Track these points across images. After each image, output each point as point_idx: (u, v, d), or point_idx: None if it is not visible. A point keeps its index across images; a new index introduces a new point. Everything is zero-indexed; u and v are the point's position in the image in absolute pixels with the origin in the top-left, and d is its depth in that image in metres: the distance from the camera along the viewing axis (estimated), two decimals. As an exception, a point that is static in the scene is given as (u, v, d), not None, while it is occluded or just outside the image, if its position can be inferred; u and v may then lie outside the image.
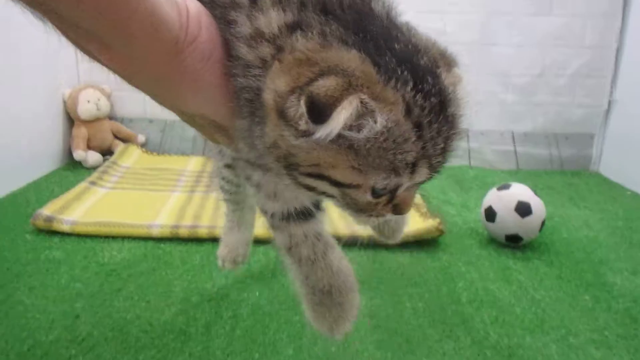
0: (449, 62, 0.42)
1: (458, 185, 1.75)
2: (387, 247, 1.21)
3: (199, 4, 0.39)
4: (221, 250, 0.88)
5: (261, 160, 0.44)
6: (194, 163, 1.73)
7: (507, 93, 1.93)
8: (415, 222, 1.28)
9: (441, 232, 1.23)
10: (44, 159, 1.63)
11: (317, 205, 0.53)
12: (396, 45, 0.38)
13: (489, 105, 1.95)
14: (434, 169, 0.42)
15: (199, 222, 1.23)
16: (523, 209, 1.21)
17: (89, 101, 1.70)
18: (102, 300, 0.94)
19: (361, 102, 0.35)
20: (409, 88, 0.37)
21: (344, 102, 0.35)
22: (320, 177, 0.40)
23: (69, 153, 1.70)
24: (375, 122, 0.36)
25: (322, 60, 0.36)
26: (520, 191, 1.26)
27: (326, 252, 0.53)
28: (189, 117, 0.47)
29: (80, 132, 1.69)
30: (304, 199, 0.50)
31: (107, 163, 1.60)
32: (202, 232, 1.18)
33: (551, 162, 1.98)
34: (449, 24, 1.85)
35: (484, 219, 1.27)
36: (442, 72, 0.40)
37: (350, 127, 0.36)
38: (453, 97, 0.41)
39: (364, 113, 0.36)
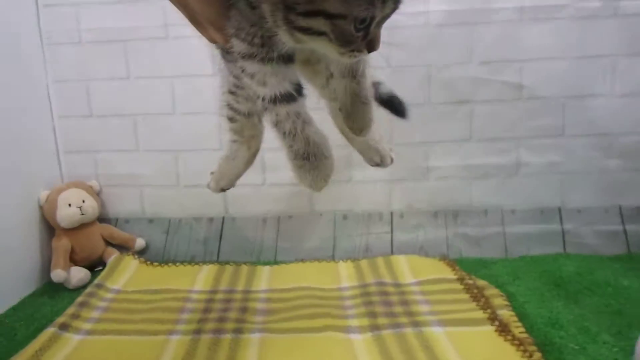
0: None
1: (559, 288, 1.26)
2: None
3: None
4: (214, 171, 0.99)
5: (251, 49, 0.62)
6: (204, 277, 1.32)
7: (610, 158, 1.48)
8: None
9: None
10: (15, 283, 1.26)
11: (299, 91, 0.67)
12: None
13: (587, 175, 1.49)
14: (396, 1, 0.55)
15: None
16: None
17: (70, 205, 1.34)
18: None
19: None
20: None
21: None
22: (315, 13, 0.53)
23: (48, 270, 1.32)
24: None
25: None
26: None
27: (304, 128, 0.66)
28: (192, 16, 0.61)
29: (61, 244, 1.32)
30: (286, 84, 0.65)
31: (90, 288, 1.21)
32: None
33: (675, 243, 1.48)
34: (528, 76, 1.44)
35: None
36: None
37: None
38: None
39: None
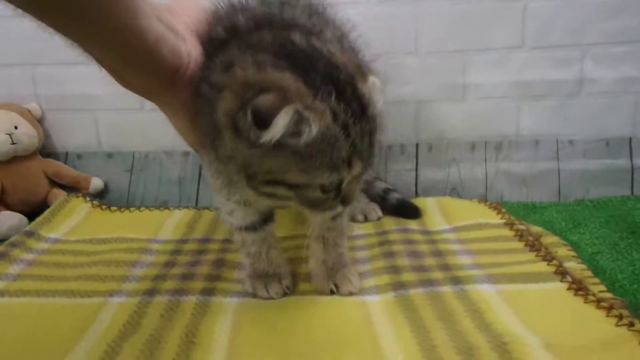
0: (364, 73, 0.53)
1: (636, 236, 0.96)
2: None
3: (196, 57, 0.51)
4: None
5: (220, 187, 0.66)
6: (175, 223, 1.02)
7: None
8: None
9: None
10: None
11: (269, 219, 0.73)
12: (319, 66, 0.50)
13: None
14: (365, 162, 0.53)
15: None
16: None
17: (-3, 130, 1.04)
18: None
19: (297, 112, 0.46)
20: (332, 98, 0.48)
21: (282, 110, 0.45)
22: (276, 182, 0.52)
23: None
24: (310, 128, 0.47)
25: (261, 81, 0.47)
26: None
27: (268, 251, 0.73)
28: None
29: (-14, 181, 1.03)
30: (254, 217, 0.71)
31: (16, 236, 0.91)
32: None
33: None
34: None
35: None
36: (358, 82, 0.51)
37: (291, 135, 0.47)
38: (370, 100, 0.51)
39: (300, 121, 0.46)
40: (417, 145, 1.20)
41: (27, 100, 1.16)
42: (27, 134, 1.08)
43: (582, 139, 1.19)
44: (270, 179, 0.51)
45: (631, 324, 0.63)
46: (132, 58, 0.45)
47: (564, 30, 1.12)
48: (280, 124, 0.45)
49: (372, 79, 0.53)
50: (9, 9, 0.37)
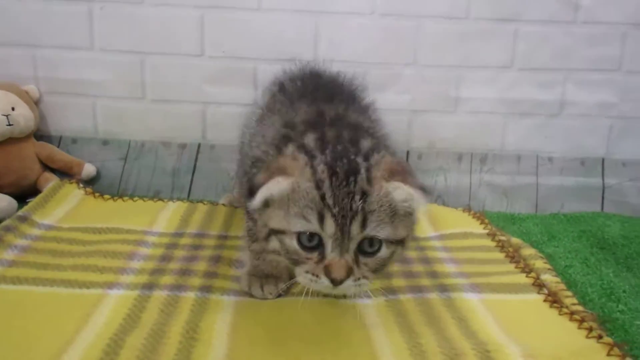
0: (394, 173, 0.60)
1: (605, 252, 1.04)
2: None
3: None
4: None
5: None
6: (169, 215, 1.03)
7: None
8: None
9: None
10: None
11: None
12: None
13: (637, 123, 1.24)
14: (340, 224, 0.57)
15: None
16: None
17: (-7, 111, 1.03)
18: None
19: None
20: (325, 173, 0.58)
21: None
22: (269, 232, 0.62)
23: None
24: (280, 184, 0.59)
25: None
26: None
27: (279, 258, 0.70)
28: None
29: (-21, 162, 1.02)
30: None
31: (9, 220, 0.91)
32: None
33: None
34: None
35: None
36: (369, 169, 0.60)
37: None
38: (362, 176, 0.58)
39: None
40: (407, 152, 1.24)
41: (25, 82, 1.14)
42: (24, 116, 1.07)
43: (560, 157, 1.26)
44: (265, 232, 0.61)
45: (600, 337, 0.68)
46: None
47: (549, 54, 1.19)
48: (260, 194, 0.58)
49: (398, 184, 0.58)
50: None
